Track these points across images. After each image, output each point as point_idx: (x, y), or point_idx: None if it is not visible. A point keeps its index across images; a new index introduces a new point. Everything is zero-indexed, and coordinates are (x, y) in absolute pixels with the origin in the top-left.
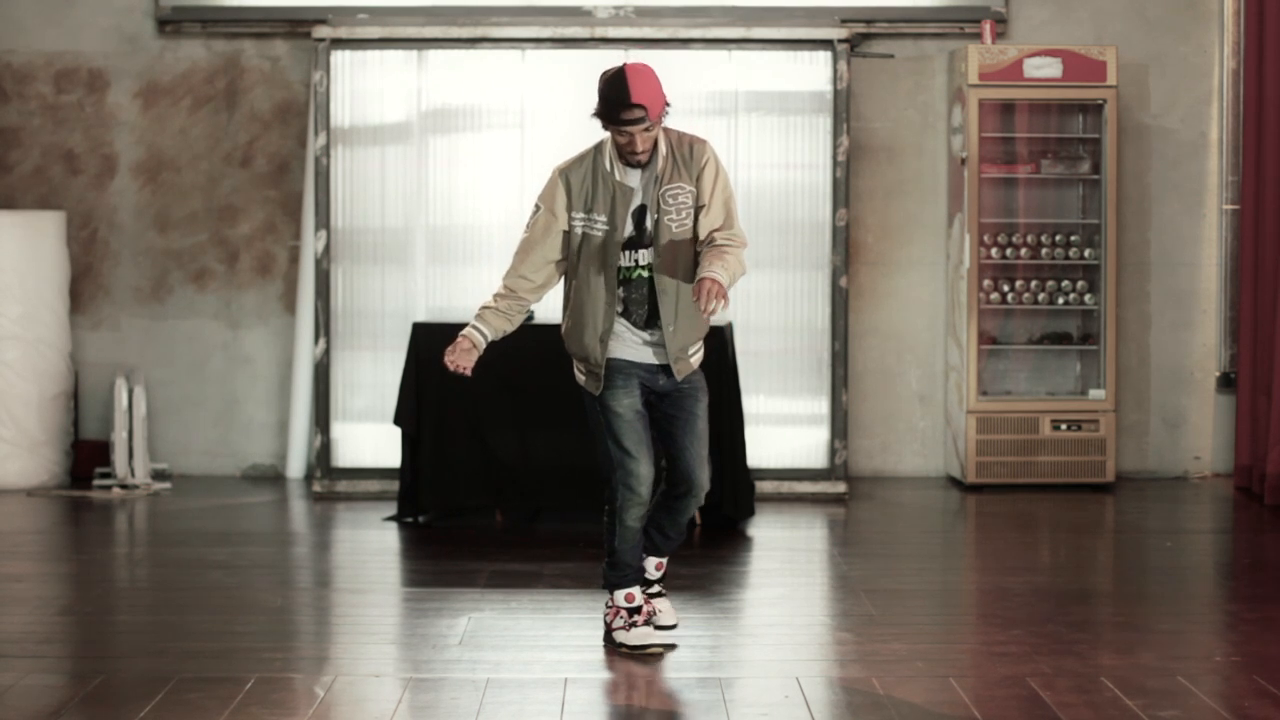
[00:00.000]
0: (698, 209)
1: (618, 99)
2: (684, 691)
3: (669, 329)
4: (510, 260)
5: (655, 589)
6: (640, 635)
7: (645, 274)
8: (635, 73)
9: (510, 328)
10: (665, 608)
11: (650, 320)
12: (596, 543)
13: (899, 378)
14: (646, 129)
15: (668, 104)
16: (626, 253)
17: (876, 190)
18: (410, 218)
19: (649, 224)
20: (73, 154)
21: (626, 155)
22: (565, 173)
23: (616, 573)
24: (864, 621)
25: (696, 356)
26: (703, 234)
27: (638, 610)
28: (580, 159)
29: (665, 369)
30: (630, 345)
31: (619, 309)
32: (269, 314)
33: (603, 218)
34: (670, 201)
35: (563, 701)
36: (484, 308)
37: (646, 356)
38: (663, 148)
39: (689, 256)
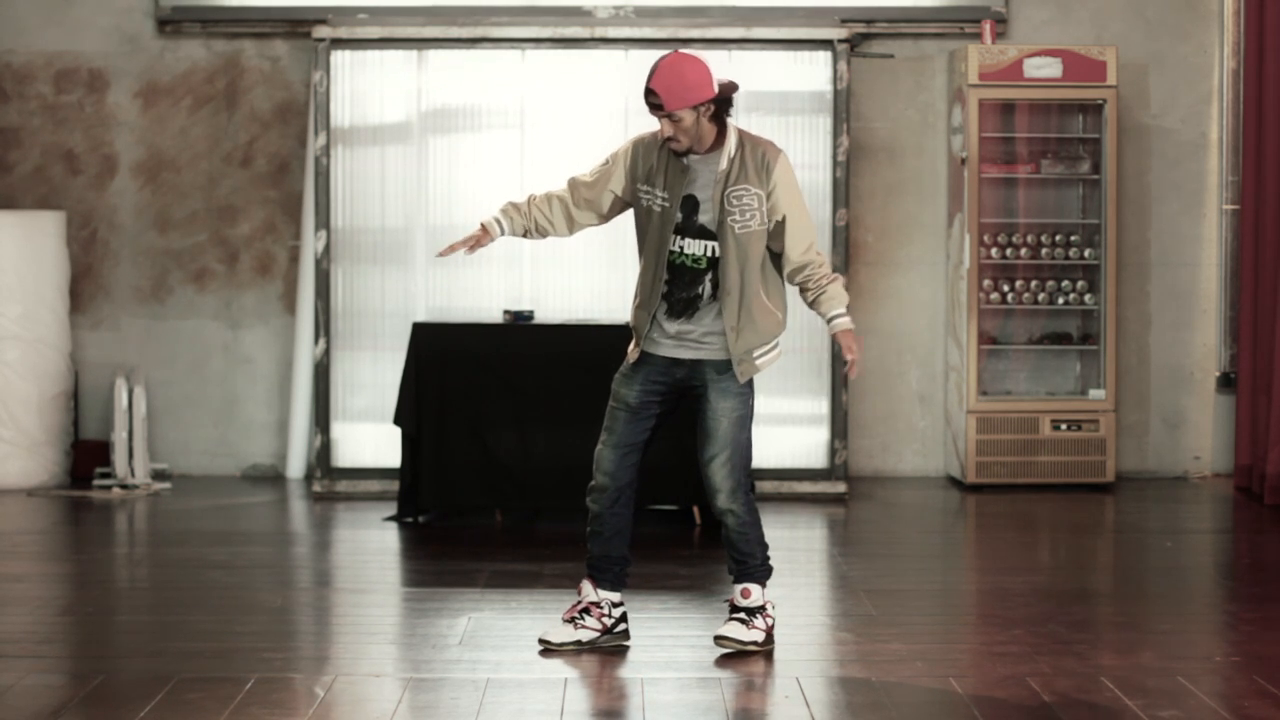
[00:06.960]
0: (771, 219)
1: (646, 84)
2: (684, 691)
3: (730, 329)
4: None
5: (737, 615)
6: (565, 632)
7: (688, 263)
8: (668, 62)
9: (521, 230)
10: (732, 629)
11: (686, 309)
12: None
13: (899, 378)
14: (671, 119)
15: (708, 102)
16: (674, 237)
17: (876, 190)
18: (410, 218)
19: (703, 219)
20: (73, 154)
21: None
22: (638, 141)
23: (587, 557)
24: (864, 621)
25: (764, 359)
26: (790, 252)
27: (587, 608)
28: (655, 133)
29: (683, 364)
30: (656, 338)
31: (663, 290)
32: (269, 314)
33: (662, 193)
34: (735, 203)
35: (563, 701)
36: (509, 208)
37: (668, 350)
38: (730, 148)
39: (758, 255)
